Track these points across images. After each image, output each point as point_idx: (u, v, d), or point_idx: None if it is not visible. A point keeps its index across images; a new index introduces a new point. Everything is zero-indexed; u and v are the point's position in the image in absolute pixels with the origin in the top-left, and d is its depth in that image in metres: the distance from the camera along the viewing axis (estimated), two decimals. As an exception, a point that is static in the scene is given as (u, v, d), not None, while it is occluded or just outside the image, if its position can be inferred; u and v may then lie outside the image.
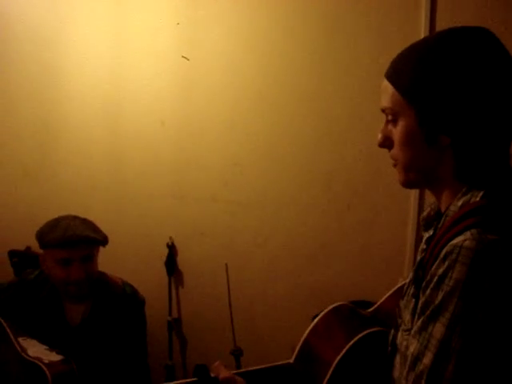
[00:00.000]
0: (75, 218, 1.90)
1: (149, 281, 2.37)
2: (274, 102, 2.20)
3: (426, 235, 1.03)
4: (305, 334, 1.24)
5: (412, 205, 1.95)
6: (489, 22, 1.78)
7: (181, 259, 2.43)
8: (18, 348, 1.71)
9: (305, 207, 2.16)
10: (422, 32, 1.87)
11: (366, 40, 1.99)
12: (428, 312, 0.84)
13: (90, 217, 2.28)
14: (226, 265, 2.03)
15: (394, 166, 1.00)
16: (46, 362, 1.64)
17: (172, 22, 2.36)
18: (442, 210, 0.97)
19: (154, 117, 2.43)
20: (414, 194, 1.94)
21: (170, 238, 2.42)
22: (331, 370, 1.12)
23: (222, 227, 2.35)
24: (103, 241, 1.89)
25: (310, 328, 1.24)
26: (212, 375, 1.12)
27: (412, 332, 0.88)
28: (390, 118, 0.97)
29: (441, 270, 0.84)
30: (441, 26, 1.86)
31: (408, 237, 1.97)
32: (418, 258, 1.01)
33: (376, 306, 1.34)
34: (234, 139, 2.29)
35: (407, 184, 1.00)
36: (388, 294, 1.33)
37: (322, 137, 2.12)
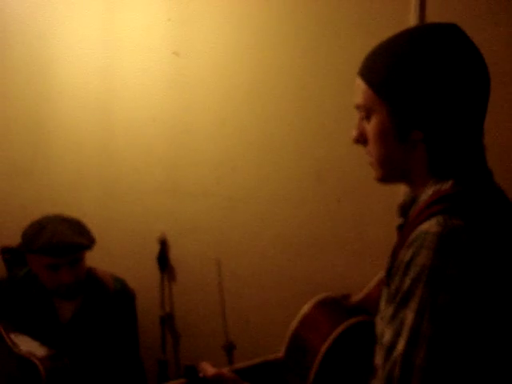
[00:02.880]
0: (62, 220, 1.85)
1: (141, 276, 2.38)
2: (266, 97, 2.20)
3: (400, 222, 1.05)
4: (292, 327, 1.25)
5: (402, 197, 1.96)
6: (479, 15, 1.80)
7: (173, 255, 2.44)
8: (10, 344, 1.71)
9: (296, 202, 2.17)
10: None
11: (355, 34, 1.99)
12: (398, 299, 0.86)
13: (82, 212, 2.28)
14: (218, 260, 2.04)
15: (370, 163, 1.02)
16: (40, 357, 1.65)
17: (163, 18, 2.36)
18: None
19: (145, 113, 2.43)
20: (403, 186, 1.94)
21: (162, 233, 2.42)
22: (319, 359, 1.13)
23: (213, 222, 2.35)
24: (90, 245, 1.86)
25: (297, 320, 1.26)
26: (200, 375, 1.13)
27: (385, 320, 0.90)
28: (363, 114, 0.99)
29: (407, 257, 0.85)
30: (430, 21, 1.87)
31: (398, 230, 1.98)
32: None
33: (363, 294, 1.35)
34: (225, 135, 2.29)
35: (382, 179, 1.03)
36: (375, 282, 1.34)
37: (312, 132, 2.12)
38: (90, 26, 2.52)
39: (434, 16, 1.86)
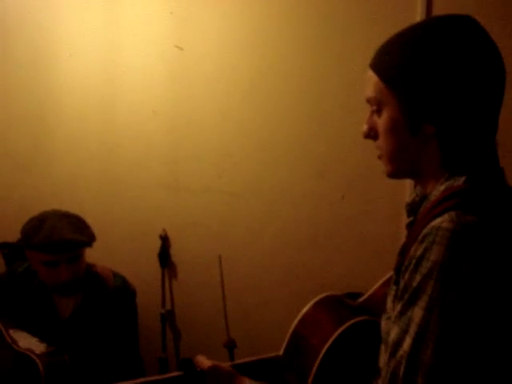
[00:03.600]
0: (61, 216, 1.82)
1: (142, 273, 2.36)
2: (267, 92, 2.19)
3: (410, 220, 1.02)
4: (292, 326, 1.24)
5: (406, 195, 1.94)
6: (486, 11, 1.77)
7: (174, 251, 2.42)
8: (9, 340, 1.70)
9: (299, 198, 2.15)
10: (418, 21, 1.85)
11: (359, 30, 1.98)
12: (407, 296, 0.84)
13: (82, 207, 2.26)
14: (220, 256, 2.03)
15: (379, 157, 1.00)
16: (38, 353, 1.64)
17: (165, 11, 2.34)
18: (427, 194, 0.96)
19: (146, 107, 2.41)
20: (408, 184, 1.93)
21: (163, 229, 2.40)
22: (319, 359, 1.11)
23: (215, 218, 2.33)
24: (90, 242, 1.83)
25: (297, 319, 1.24)
26: (198, 369, 1.12)
27: (392, 318, 0.87)
28: (374, 108, 0.97)
29: (418, 253, 0.83)
30: (437, 14, 1.85)
31: (402, 227, 1.95)
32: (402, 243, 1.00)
33: (367, 295, 1.33)
34: (227, 130, 2.28)
35: (392, 174, 1.00)
36: (379, 284, 1.33)
37: (315, 127, 2.11)
38: (92, 19, 2.50)
39: (440, 12, 1.84)
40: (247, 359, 1.23)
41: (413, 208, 1.02)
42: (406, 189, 1.94)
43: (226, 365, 1.14)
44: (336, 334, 1.15)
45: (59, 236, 1.75)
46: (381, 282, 1.33)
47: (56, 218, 1.81)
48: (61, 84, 2.58)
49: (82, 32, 2.52)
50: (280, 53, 2.15)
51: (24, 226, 1.82)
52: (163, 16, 2.34)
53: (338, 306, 1.28)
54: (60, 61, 2.57)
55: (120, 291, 1.94)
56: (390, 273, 1.23)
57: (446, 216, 0.83)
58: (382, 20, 1.92)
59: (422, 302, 0.81)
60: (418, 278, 0.82)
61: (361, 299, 1.35)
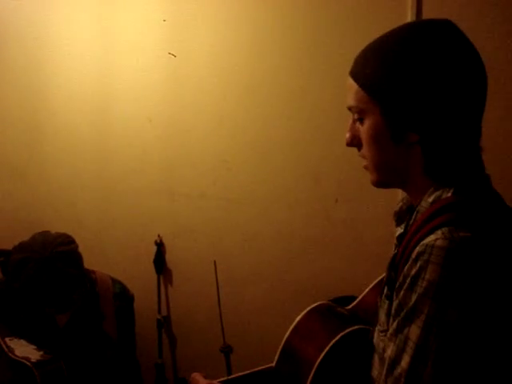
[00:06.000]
0: (43, 261, 1.71)
1: (137, 279, 2.36)
2: (263, 98, 2.20)
3: (399, 231, 1.01)
4: (285, 336, 1.22)
5: (399, 199, 1.95)
6: (475, 13, 1.79)
7: (169, 257, 2.43)
8: (5, 348, 1.70)
9: (293, 203, 2.16)
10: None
11: (354, 35, 1.99)
12: (403, 314, 0.83)
13: (79, 215, 2.26)
14: (215, 262, 2.03)
15: (365, 167, 0.98)
16: (34, 361, 1.64)
17: (158, 18, 2.35)
18: (414, 204, 0.95)
19: (141, 114, 2.42)
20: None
21: (159, 235, 2.41)
22: (314, 369, 1.10)
23: (210, 224, 2.34)
24: (66, 304, 1.77)
25: (290, 330, 1.23)
26: None
27: (388, 334, 0.87)
28: (356, 116, 0.95)
29: (413, 271, 0.82)
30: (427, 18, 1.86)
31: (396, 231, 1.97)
32: (391, 255, 0.99)
33: (358, 300, 1.32)
34: (222, 136, 2.29)
35: (378, 184, 0.98)
36: (368, 289, 1.32)
37: (310, 132, 2.12)
38: (86, 27, 2.51)
39: (430, 13, 1.85)
40: (240, 373, 1.22)
41: (400, 217, 1.01)
42: (399, 193, 1.95)
43: (219, 382, 1.13)
44: (330, 344, 1.13)
45: (33, 291, 1.71)
46: (371, 285, 1.33)
47: (34, 271, 1.71)
48: (55, 92, 2.59)
49: (77, 40, 2.53)
50: (274, 58, 2.16)
51: (10, 259, 1.79)
52: (156, 24, 2.35)
53: (330, 314, 1.26)
54: (54, 69, 2.58)
55: (119, 298, 1.94)
56: (381, 276, 1.23)
57: (439, 233, 0.82)
58: (376, 23, 1.93)
59: (419, 321, 0.80)
60: (413, 297, 0.81)
61: (352, 305, 1.34)
